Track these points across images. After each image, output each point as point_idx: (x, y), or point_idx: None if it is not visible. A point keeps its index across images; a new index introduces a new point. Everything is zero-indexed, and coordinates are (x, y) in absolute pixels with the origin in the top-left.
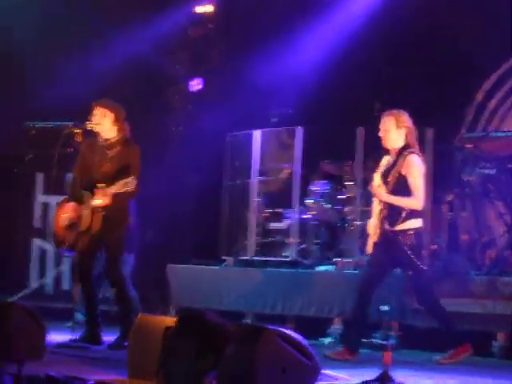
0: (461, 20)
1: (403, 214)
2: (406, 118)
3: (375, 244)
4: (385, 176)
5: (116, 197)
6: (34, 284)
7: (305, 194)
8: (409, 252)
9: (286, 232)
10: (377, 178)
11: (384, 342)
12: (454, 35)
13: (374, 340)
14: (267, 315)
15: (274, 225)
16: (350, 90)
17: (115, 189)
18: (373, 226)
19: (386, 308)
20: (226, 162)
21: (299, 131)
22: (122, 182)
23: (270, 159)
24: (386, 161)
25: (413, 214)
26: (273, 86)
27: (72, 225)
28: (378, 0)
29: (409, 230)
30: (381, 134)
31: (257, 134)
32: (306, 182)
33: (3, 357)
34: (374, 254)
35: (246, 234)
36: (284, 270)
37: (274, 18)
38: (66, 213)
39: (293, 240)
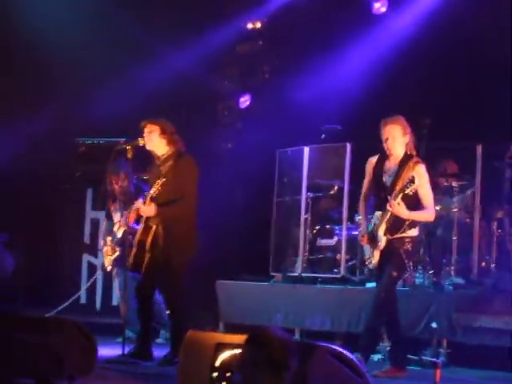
0: (510, 32)
1: (406, 224)
2: (407, 124)
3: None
4: (392, 185)
5: (166, 208)
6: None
7: (354, 210)
8: (403, 256)
9: (335, 248)
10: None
11: (434, 360)
12: (503, 50)
13: (423, 357)
14: (316, 332)
15: (323, 241)
16: (399, 105)
17: (150, 193)
18: (369, 237)
19: (435, 325)
20: (275, 178)
21: (348, 148)
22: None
23: (319, 176)
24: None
25: (414, 223)
26: (321, 102)
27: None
28: (425, 13)
29: (406, 237)
30: (389, 144)
31: (306, 151)
32: (354, 198)
33: (55, 373)
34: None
35: (294, 250)
36: (333, 286)
37: (322, 34)
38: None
39: (342, 257)
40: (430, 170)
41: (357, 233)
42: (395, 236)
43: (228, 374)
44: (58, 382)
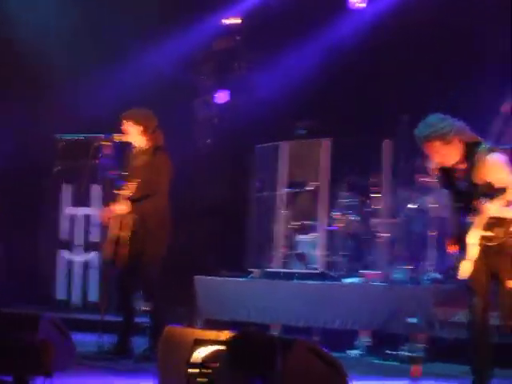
0: (497, 28)
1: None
2: (446, 126)
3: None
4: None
5: (139, 205)
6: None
7: (332, 206)
8: None
9: (312, 244)
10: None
11: (412, 355)
12: (483, 46)
13: (401, 352)
14: (293, 327)
15: (301, 237)
16: (377, 102)
17: (129, 193)
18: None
19: (413, 320)
20: (253, 174)
21: (327, 143)
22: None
23: (297, 171)
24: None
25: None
26: (299, 97)
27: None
28: (406, 9)
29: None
30: (438, 160)
31: (284, 146)
32: (332, 194)
33: (31, 369)
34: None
35: (272, 246)
36: (311, 282)
37: (298, 29)
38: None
39: (320, 252)
40: (408, 166)
41: (335, 228)
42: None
43: (206, 371)
44: (36, 379)
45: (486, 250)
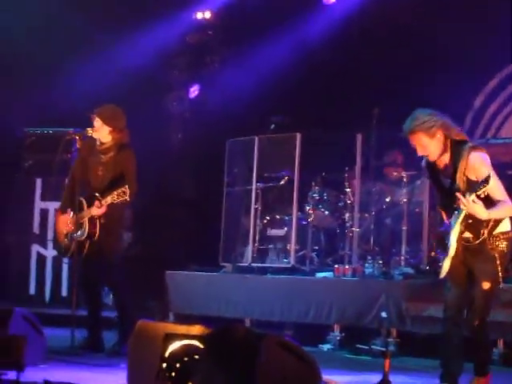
0: (461, 25)
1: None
2: (430, 120)
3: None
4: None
5: (112, 206)
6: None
7: (304, 200)
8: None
9: (284, 239)
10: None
11: (383, 349)
12: (454, 41)
13: (373, 347)
14: (265, 322)
15: (273, 231)
16: (349, 96)
17: (111, 199)
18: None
19: (384, 315)
20: (225, 168)
21: (298, 138)
22: (116, 192)
23: (269, 166)
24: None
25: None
26: (271, 92)
27: (71, 232)
28: (376, 5)
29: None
30: (420, 153)
31: (256, 141)
32: (305, 188)
33: (2, 363)
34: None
35: (244, 240)
36: (282, 276)
37: (271, 24)
38: (64, 223)
39: (292, 247)
40: (379, 160)
41: (307, 222)
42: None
43: (177, 365)
44: (7, 373)
45: (464, 249)
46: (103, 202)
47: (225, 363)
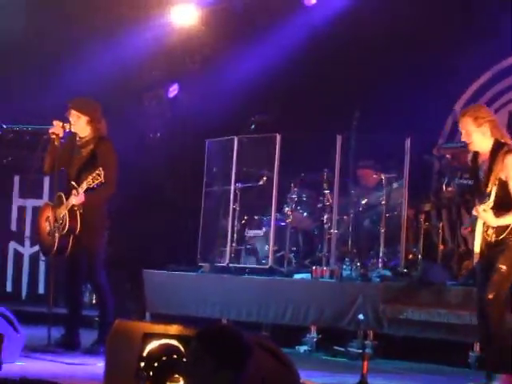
0: (442, 29)
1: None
2: (485, 112)
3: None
4: (484, 186)
5: (91, 194)
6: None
7: (283, 201)
8: None
9: (263, 239)
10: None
11: (360, 351)
12: (435, 44)
13: (350, 349)
14: (242, 322)
15: (251, 232)
16: (329, 97)
17: (86, 184)
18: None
19: (362, 317)
20: (204, 168)
21: (278, 138)
22: (90, 176)
23: (249, 166)
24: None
25: None
26: (251, 92)
27: (53, 230)
28: (358, 6)
29: None
30: (463, 138)
31: (235, 141)
32: (283, 189)
33: None
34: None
35: (223, 240)
36: (260, 277)
37: (252, 25)
38: (45, 219)
39: (270, 248)
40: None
41: (285, 223)
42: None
43: (155, 364)
44: None
45: (486, 244)
46: (79, 189)
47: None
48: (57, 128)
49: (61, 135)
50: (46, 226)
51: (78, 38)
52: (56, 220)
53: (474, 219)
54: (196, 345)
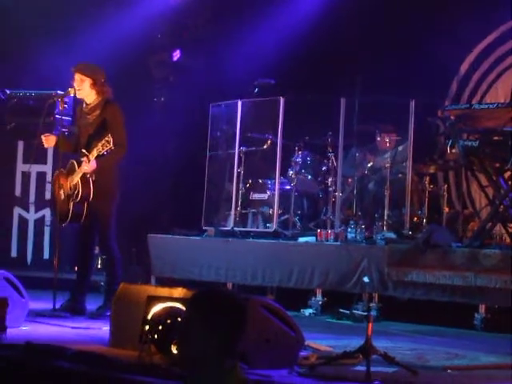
0: None
1: None
2: None
3: None
4: None
5: (103, 160)
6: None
7: (287, 164)
8: None
9: (267, 203)
10: None
11: (365, 314)
12: (440, 5)
13: (355, 311)
14: (247, 286)
15: (255, 195)
16: (333, 60)
17: (96, 152)
18: None
19: (367, 280)
20: (208, 132)
21: (281, 101)
22: (100, 143)
23: (253, 130)
24: None
25: None
26: (256, 56)
27: (68, 197)
28: None
29: None
30: None
31: (239, 104)
32: (288, 152)
33: None
34: None
35: (227, 204)
36: (265, 240)
37: None
38: (60, 187)
39: (274, 211)
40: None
41: (289, 187)
42: None
43: (160, 327)
44: None
45: None
46: (90, 156)
47: (210, 323)
48: (50, 141)
49: (52, 145)
50: (61, 194)
51: (82, 4)
52: (70, 188)
53: None
54: (187, 309)
